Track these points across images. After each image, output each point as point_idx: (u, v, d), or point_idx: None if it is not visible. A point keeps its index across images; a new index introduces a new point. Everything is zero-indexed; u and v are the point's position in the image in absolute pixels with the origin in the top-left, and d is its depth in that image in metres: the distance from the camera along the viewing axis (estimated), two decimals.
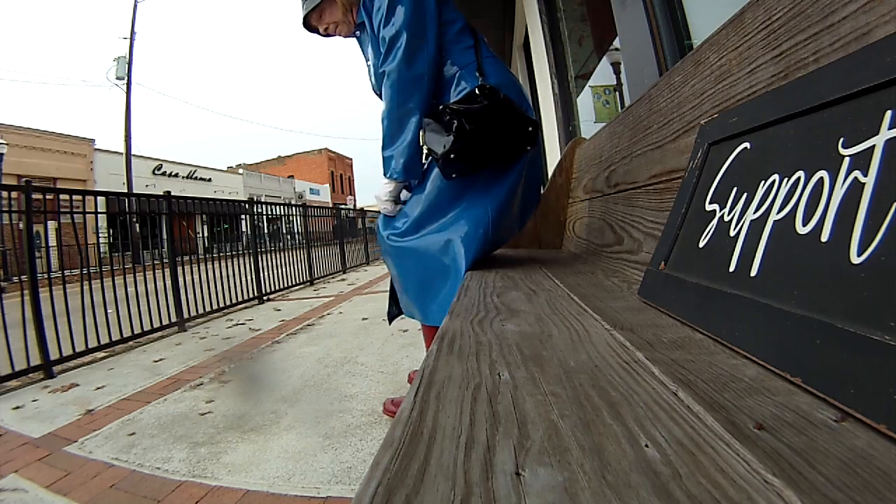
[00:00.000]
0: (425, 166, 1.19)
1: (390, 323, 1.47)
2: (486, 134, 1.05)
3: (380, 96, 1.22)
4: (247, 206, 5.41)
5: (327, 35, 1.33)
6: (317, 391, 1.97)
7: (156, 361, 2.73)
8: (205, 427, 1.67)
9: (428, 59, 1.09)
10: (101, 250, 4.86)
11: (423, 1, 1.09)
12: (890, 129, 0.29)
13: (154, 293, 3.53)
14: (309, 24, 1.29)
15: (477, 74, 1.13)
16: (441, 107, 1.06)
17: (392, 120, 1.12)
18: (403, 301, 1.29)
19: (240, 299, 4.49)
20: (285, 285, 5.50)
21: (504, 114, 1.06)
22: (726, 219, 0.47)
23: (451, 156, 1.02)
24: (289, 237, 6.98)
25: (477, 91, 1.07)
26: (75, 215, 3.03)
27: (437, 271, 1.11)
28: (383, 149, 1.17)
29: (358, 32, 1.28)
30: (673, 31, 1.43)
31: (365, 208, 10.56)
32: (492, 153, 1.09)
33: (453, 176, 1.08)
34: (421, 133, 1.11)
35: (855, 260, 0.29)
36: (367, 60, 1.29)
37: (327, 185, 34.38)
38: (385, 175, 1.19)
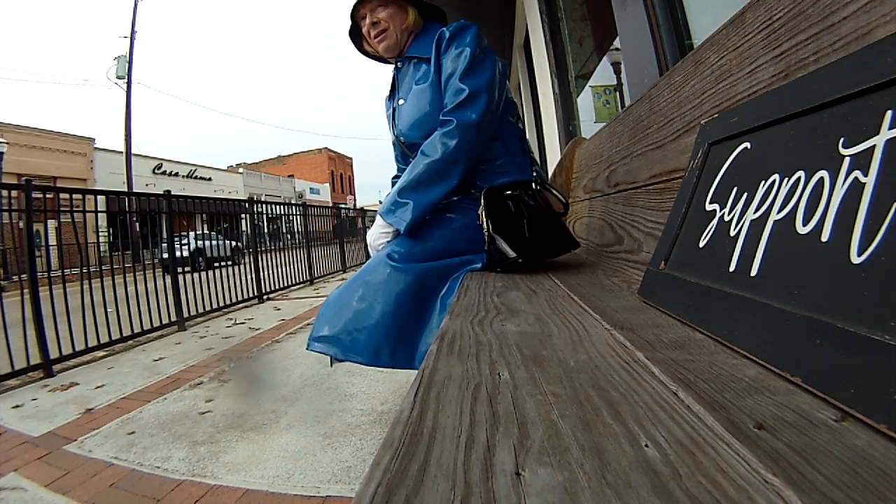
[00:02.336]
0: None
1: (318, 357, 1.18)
2: (548, 237, 1.02)
3: (403, 144, 1.15)
4: (247, 205, 5.41)
5: (363, 42, 1.18)
6: (316, 390, 1.98)
7: (155, 360, 2.73)
8: (204, 426, 1.68)
9: (490, 133, 1.04)
10: (101, 249, 4.86)
11: (504, 73, 1.05)
12: (890, 129, 0.29)
13: (154, 292, 3.53)
14: (359, 8, 1.12)
15: (534, 171, 1.09)
16: (508, 192, 1.01)
17: (433, 168, 0.99)
18: (366, 335, 0.95)
19: (240, 298, 4.49)
20: (285, 285, 5.50)
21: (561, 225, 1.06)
22: (726, 219, 0.47)
23: (520, 260, 0.95)
24: (289, 237, 6.98)
25: (534, 185, 1.05)
26: (75, 214, 3.03)
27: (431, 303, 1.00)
28: (402, 190, 1.01)
29: (401, 64, 1.16)
30: (673, 30, 1.43)
31: (365, 208, 10.55)
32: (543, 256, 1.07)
33: (498, 269, 1.02)
34: (483, 216, 1.01)
35: (855, 260, 0.29)
36: (397, 97, 1.16)
37: (327, 184, 34.40)
38: (385, 217, 1.05)
